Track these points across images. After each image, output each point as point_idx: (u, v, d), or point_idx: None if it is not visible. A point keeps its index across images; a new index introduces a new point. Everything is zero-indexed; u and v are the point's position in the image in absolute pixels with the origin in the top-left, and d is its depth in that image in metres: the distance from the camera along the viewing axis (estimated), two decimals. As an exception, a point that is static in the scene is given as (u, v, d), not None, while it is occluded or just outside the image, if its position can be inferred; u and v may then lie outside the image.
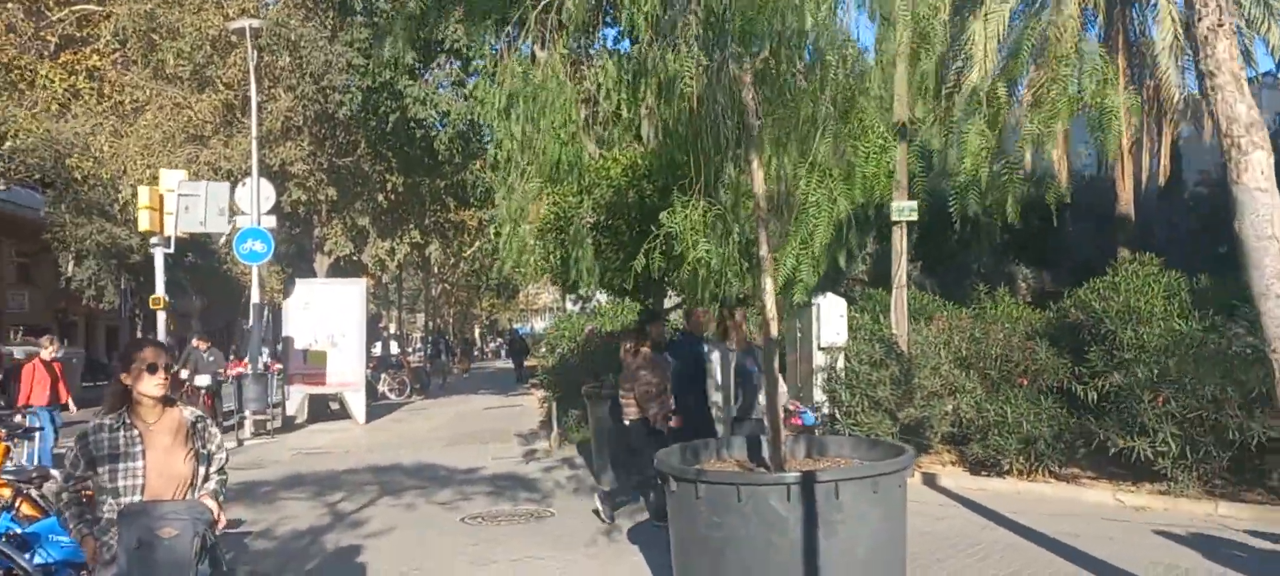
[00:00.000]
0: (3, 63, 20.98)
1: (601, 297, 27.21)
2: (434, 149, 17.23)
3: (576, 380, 13.08)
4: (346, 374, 17.72)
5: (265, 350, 19.12)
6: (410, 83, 15.24)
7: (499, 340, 72.97)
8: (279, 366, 17.27)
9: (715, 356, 7.91)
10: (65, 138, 20.72)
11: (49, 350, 12.35)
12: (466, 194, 18.21)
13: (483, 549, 7.45)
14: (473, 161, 17.60)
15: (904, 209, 11.16)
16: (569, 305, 25.61)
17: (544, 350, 16.88)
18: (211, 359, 16.16)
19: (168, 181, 12.52)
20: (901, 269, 11.79)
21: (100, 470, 3.64)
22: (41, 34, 21.18)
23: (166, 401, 3.81)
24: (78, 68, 19.95)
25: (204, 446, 3.89)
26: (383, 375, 24.89)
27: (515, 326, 51.66)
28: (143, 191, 12.21)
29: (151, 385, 3.74)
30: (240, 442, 15.01)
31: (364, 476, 11.11)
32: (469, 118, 15.36)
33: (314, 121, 16.94)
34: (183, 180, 12.68)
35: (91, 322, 40.42)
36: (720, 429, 7.66)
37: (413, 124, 16.17)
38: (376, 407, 20.39)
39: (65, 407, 12.43)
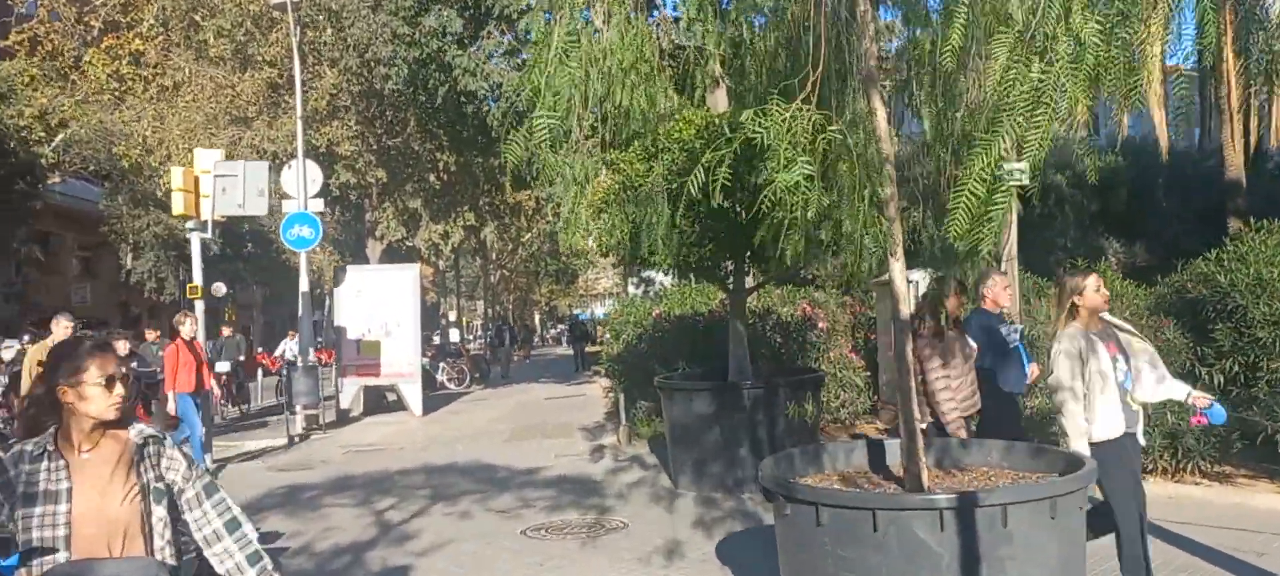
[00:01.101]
0: (47, 51, 20.55)
1: (665, 279, 26.12)
2: (486, 125, 16.21)
3: (645, 369, 12.01)
4: (401, 364, 16.87)
5: (319, 340, 18.44)
6: (459, 53, 14.22)
7: (559, 327, 72.30)
8: (331, 357, 16.48)
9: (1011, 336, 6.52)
10: (112, 126, 20.24)
11: (189, 327, 10.65)
12: (522, 172, 17.15)
13: (548, 570, 6.40)
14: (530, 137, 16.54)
15: (1016, 170, 9.81)
16: (631, 288, 24.56)
17: (607, 336, 15.82)
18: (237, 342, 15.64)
19: (203, 162, 11.68)
20: (1011, 239, 10.47)
21: (14, 513, 2.58)
22: (85, 19, 20.70)
23: (115, 422, 2.75)
24: (121, 53, 19.38)
25: (159, 478, 2.76)
26: (442, 364, 24.12)
27: (576, 312, 50.61)
28: (175, 172, 11.38)
29: (105, 404, 2.66)
30: (291, 439, 14.22)
31: (417, 478, 10.16)
32: (522, 88, 14.26)
33: (360, 99, 16.03)
34: (219, 160, 11.82)
35: (155, 315, 40.10)
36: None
37: (463, 98, 15.16)
38: (435, 398, 19.57)
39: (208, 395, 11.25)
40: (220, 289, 36.65)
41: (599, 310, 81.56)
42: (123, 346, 10.12)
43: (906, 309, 4.78)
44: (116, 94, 20.67)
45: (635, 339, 13.73)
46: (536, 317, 75.82)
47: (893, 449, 5.16)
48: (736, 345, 9.03)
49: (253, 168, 11.99)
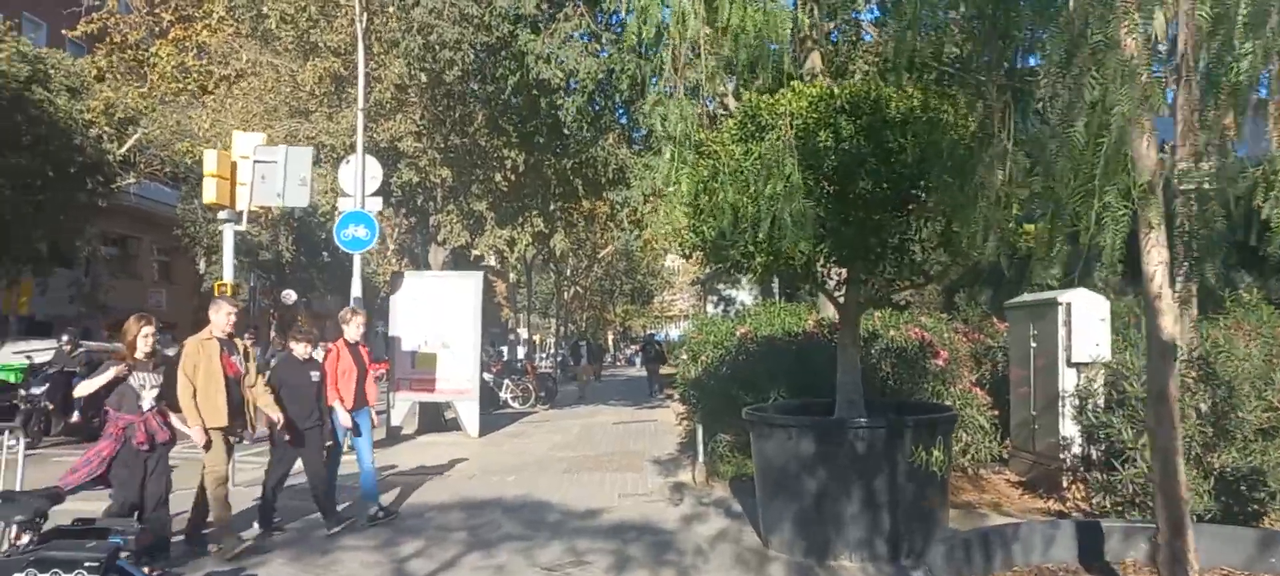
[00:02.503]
0: (115, 43, 19.95)
1: (747, 298, 24.43)
2: (559, 123, 14.80)
3: (728, 396, 10.35)
4: (459, 380, 15.46)
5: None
6: (532, 38, 12.79)
7: (632, 347, 70.71)
8: (383, 370, 15.15)
9: None
10: (174, 121, 19.51)
11: (355, 327, 8.64)
12: (597, 174, 15.66)
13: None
14: (604, 136, 15.06)
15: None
16: (711, 309, 22.88)
17: (684, 357, 14.20)
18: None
19: (241, 146, 10.44)
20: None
21: None
22: (156, 11, 20.06)
23: None
24: (188, 44, 18.58)
25: None
26: (506, 381, 22.76)
27: (650, 331, 48.89)
28: (208, 156, 10.14)
29: None
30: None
31: (454, 516, 8.63)
32: (601, 75, 12.79)
33: (426, 90, 14.74)
34: (260, 144, 10.56)
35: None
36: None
37: (535, 89, 13.74)
38: (496, 417, 18.17)
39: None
40: (290, 296, 36.22)
41: (674, 332, 80.00)
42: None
43: (1171, 325, 3.04)
44: (181, 87, 19.96)
45: (716, 362, 12.06)
46: (609, 337, 74.45)
47: (1112, 535, 3.41)
48: (846, 373, 7.31)
49: (296, 154, 10.70)
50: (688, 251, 7.66)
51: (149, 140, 24.44)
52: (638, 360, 60.89)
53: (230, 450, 7.67)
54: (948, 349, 10.51)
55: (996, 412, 10.10)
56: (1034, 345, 9.41)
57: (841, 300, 7.48)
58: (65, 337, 15.87)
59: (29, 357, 16.54)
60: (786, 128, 5.89)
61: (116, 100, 19.48)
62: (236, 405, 7.34)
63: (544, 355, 43.68)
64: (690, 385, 12.30)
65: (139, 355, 6.56)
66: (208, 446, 7.19)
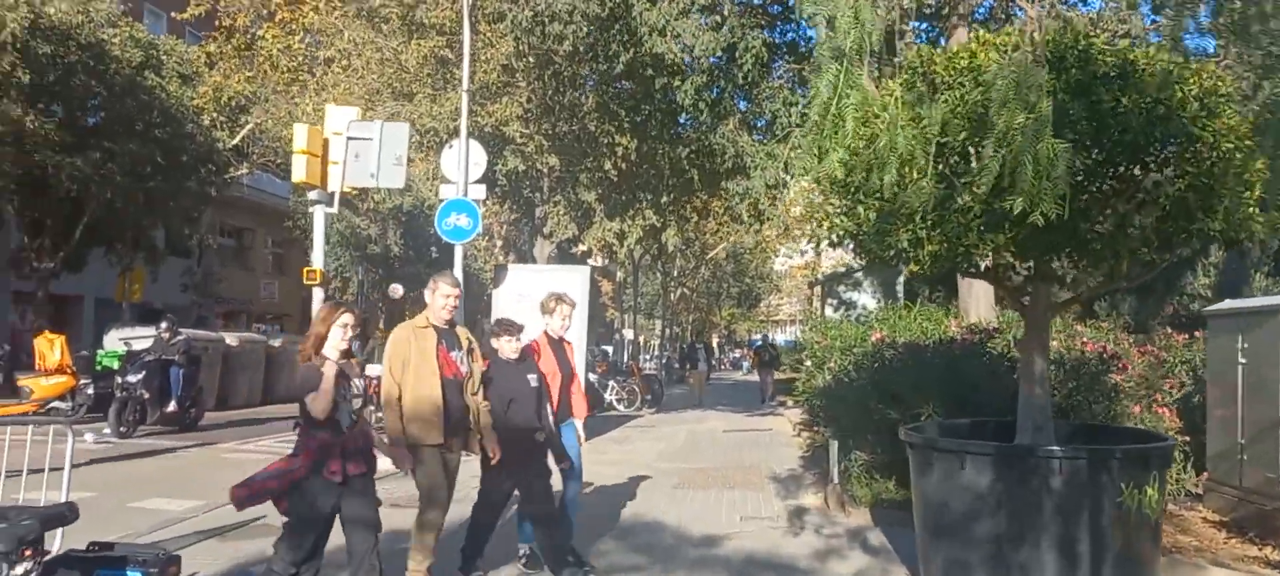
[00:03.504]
0: (223, 26, 19.79)
1: (868, 300, 22.90)
2: (674, 107, 13.72)
3: (864, 409, 9.08)
4: (563, 381, 14.48)
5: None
6: (648, 7, 11.71)
7: (738, 352, 69.23)
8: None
9: None
10: (284, 111, 19.21)
11: (559, 318, 6.79)
12: (715, 164, 14.50)
13: None
14: (723, 121, 13.89)
15: None
16: (830, 312, 21.49)
17: (807, 364, 12.93)
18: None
19: (335, 122, 9.67)
20: None
21: None
22: (266, -4, 19.85)
23: None
24: (295, 28, 18.23)
25: None
26: (612, 382, 21.80)
27: (764, 334, 47.38)
28: (299, 132, 9.39)
29: None
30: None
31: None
32: (722, 51, 11.64)
33: (534, 70, 13.85)
34: (354, 120, 9.77)
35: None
36: None
37: (649, 68, 12.67)
38: (601, 420, 17.14)
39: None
40: (397, 290, 36.02)
41: (781, 336, 78.17)
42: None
43: None
44: (292, 77, 19.67)
45: (847, 370, 10.76)
46: (715, 341, 73.12)
47: None
48: (1032, 390, 5.97)
49: (392, 130, 9.88)
50: (837, 238, 6.41)
51: (261, 130, 24.42)
52: (745, 364, 59.50)
53: (450, 477, 5.79)
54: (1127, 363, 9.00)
55: (1187, 439, 8.55)
56: (1244, 361, 7.84)
57: (1028, 301, 6.14)
58: (164, 325, 15.53)
59: (127, 344, 16.34)
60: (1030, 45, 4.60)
61: (224, 85, 19.28)
62: (457, 417, 5.63)
63: (647, 357, 42.73)
64: (816, 395, 11.05)
65: (331, 352, 4.85)
66: (414, 470, 5.59)
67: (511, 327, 6.32)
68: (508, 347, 6.24)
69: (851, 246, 6.82)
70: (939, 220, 5.52)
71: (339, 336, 4.88)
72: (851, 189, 6.02)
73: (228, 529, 7.68)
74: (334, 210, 9.83)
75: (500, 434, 5.93)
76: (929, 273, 6.40)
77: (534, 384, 6.31)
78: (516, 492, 6.40)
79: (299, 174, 9.27)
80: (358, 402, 4.96)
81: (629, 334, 42.11)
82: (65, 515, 4.28)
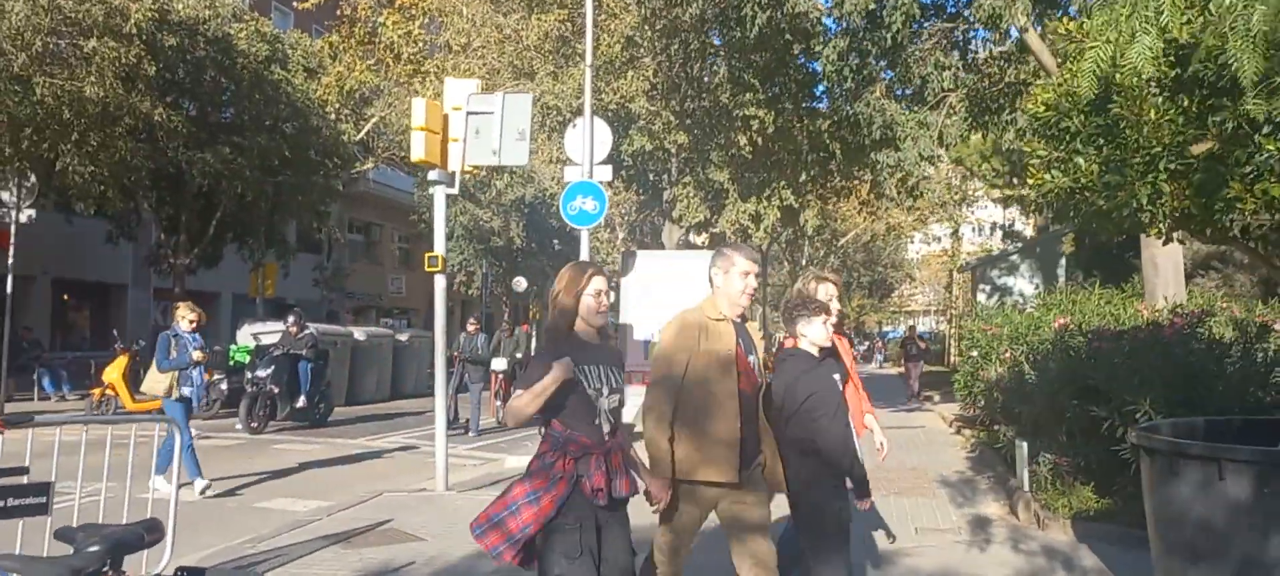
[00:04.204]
0: (344, 15, 19.63)
1: (1025, 286, 21.18)
2: (813, 76, 12.60)
3: (1055, 403, 7.83)
4: (696, 373, 13.56)
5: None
6: (787, -38, 10.66)
7: (866, 344, 66.87)
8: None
9: None
10: (407, 104, 18.91)
11: (823, 322, 4.40)
12: (859, 135, 13.30)
13: None
14: (869, 88, 12.68)
15: None
16: (981, 298, 19.90)
17: (973, 355, 11.62)
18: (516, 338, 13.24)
19: (454, 95, 8.97)
20: None
21: None
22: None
23: None
24: (414, 12, 17.87)
25: None
26: (743, 376, 20.71)
27: (908, 325, 45.38)
28: (417, 106, 8.70)
29: None
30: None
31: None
32: (867, 9, 10.46)
33: (660, 40, 12.93)
34: (474, 93, 9.05)
35: (466, 308, 40.31)
36: None
37: (786, 32, 11.58)
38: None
39: None
40: (521, 283, 35.89)
41: (920, 326, 75.19)
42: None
43: None
44: (415, 68, 19.38)
45: (1026, 362, 9.48)
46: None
47: None
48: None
49: (514, 101, 9.08)
50: (1047, 198, 5.23)
51: (385, 123, 24.36)
52: (879, 357, 57.31)
53: (699, 519, 4.25)
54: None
55: None
56: None
57: None
58: (291, 319, 15.32)
59: (257, 339, 16.25)
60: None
61: (346, 75, 19.13)
62: (752, 444, 4.05)
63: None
64: (991, 389, 9.78)
65: (582, 327, 3.64)
66: (665, 511, 4.12)
67: (819, 306, 4.38)
68: (817, 334, 4.29)
69: (1051, 211, 5.64)
70: (1190, 168, 4.33)
71: (592, 306, 3.58)
72: (1067, 134, 4.88)
73: (353, 533, 7.07)
74: (454, 191, 9.12)
75: (807, 467, 4.21)
76: (1165, 236, 5.16)
77: (839, 386, 4.47)
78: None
79: (418, 152, 8.58)
80: (616, 399, 3.59)
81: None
82: (142, 537, 3.53)
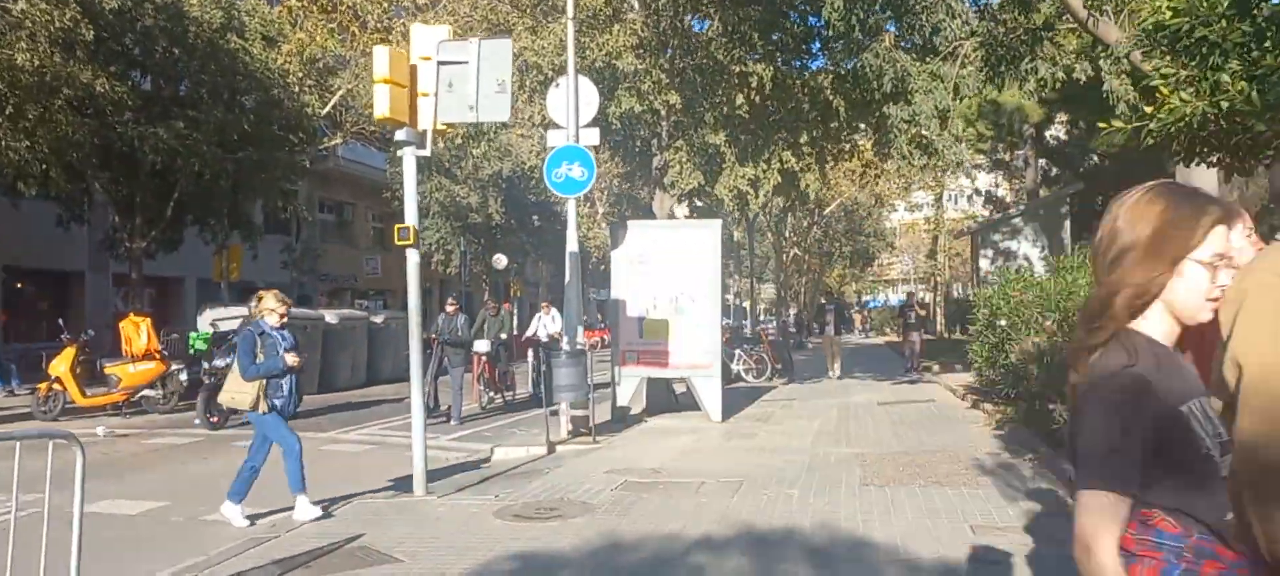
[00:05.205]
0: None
1: (1031, 250, 20.31)
2: (810, 30, 11.53)
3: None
4: (696, 352, 12.57)
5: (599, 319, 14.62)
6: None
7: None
8: (600, 338, 12.48)
9: None
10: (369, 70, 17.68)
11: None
12: (867, 90, 12.24)
13: None
14: (876, 38, 11.64)
15: None
16: (984, 264, 18.99)
17: (1001, 326, 10.65)
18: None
19: (422, 43, 7.82)
20: None
21: None
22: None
23: None
24: (380, -29, 16.66)
25: None
26: (737, 351, 19.79)
27: (908, 292, 44.59)
28: (379, 55, 7.56)
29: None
30: (551, 448, 10.34)
31: (731, 562, 5.64)
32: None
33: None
34: (444, 40, 7.93)
35: (445, 287, 39.12)
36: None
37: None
38: (732, 393, 15.13)
39: None
40: (501, 261, 34.72)
41: (894, 297, 74.58)
42: None
43: None
44: (378, 32, 18.15)
45: (1058, 331, 8.53)
46: (822, 302, 70.24)
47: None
48: None
49: (492, 48, 7.95)
50: (1169, 128, 4.20)
51: (352, 96, 23.07)
52: (865, 327, 56.61)
53: None
54: None
55: None
56: None
57: None
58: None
59: (215, 325, 15.06)
60: None
61: (308, 43, 17.87)
62: None
63: (769, 321, 40.50)
64: (1032, 363, 8.81)
65: (1166, 323, 1.84)
66: None
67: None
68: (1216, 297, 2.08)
69: (1169, 145, 4.61)
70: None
71: (1208, 286, 1.82)
72: (1203, 47, 3.84)
73: (317, 554, 6.01)
74: (426, 152, 7.99)
75: None
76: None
77: None
78: None
79: (382, 108, 7.45)
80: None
81: (732, 298, 39.91)
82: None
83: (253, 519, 7.24)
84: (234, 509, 7.14)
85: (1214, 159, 4.23)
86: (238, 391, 7.24)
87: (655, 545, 6.10)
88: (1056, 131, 32.43)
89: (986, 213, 39.22)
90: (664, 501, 7.41)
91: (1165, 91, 3.90)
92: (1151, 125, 4.19)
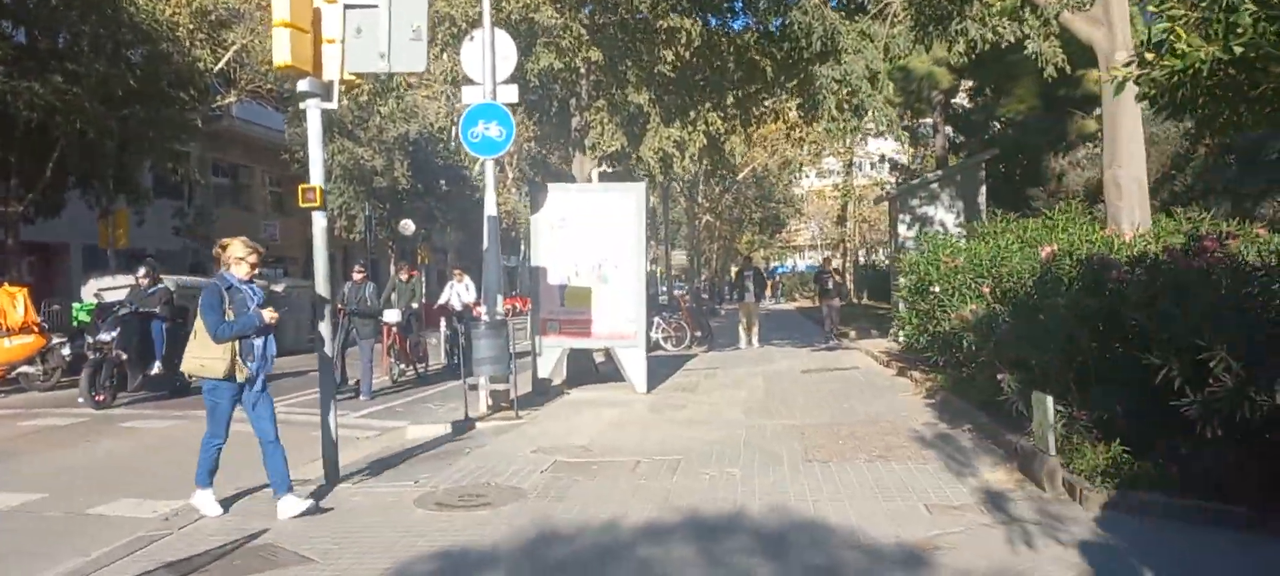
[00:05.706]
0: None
1: (946, 216, 20.28)
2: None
3: (1068, 354, 6.66)
4: (620, 321, 12.10)
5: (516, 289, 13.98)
6: None
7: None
8: (518, 305, 11.89)
9: None
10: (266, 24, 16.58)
11: None
12: (794, 49, 11.86)
13: None
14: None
15: None
16: (903, 229, 18.91)
17: (934, 292, 10.42)
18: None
19: (326, -15, 7.09)
20: None
21: None
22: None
23: None
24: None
25: None
26: (656, 320, 19.42)
27: (824, 258, 44.97)
28: (278, 1, 6.79)
29: None
30: (467, 422, 9.74)
31: (679, 552, 5.19)
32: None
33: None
34: (351, -17, 7.20)
35: (349, 254, 37.72)
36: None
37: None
38: (652, 363, 14.73)
39: None
40: (408, 227, 33.58)
41: (802, 263, 75.41)
42: None
43: None
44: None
45: (1011, 298, 8.32)
46: (733, 270, 70.57)
47: None
48: None
49: (404, -4, 7.24)
50: (1175, 79, 3.84)
51: (247, 52, 21.75)
52: (776, 294, 56.95)
53: None
54: None
55: None
56: None
57: None
58: (141, 271, 13.06)
59: (99, 296, 13.92)
60: None
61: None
62: None
63: (687, 289, 40.30)
64: (972, 330, 8.57)
65: None
66: None
67: None
68: None
69: (1167, 99, 4.26)
70: None
71: None
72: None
73: (216, 555, 5.35)
74: (332, 105, 7.24)
75: None
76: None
77: None
78: None
79: (282, 55, 6.69)
80: None
81: (650, 265, 39.55)
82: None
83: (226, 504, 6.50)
84: (205, 496, 6.30)
85: (1226, 114, 3.91)
86: (207, 357, 6.13)
87: (595, 534, 5.61)
88: (960, 99, 32.86)
89: (894, 179, 39.59)
90: (599, 484, 6.92)
91: (1180, 32, 3.54)
92: (1155, 73, 3.84)
